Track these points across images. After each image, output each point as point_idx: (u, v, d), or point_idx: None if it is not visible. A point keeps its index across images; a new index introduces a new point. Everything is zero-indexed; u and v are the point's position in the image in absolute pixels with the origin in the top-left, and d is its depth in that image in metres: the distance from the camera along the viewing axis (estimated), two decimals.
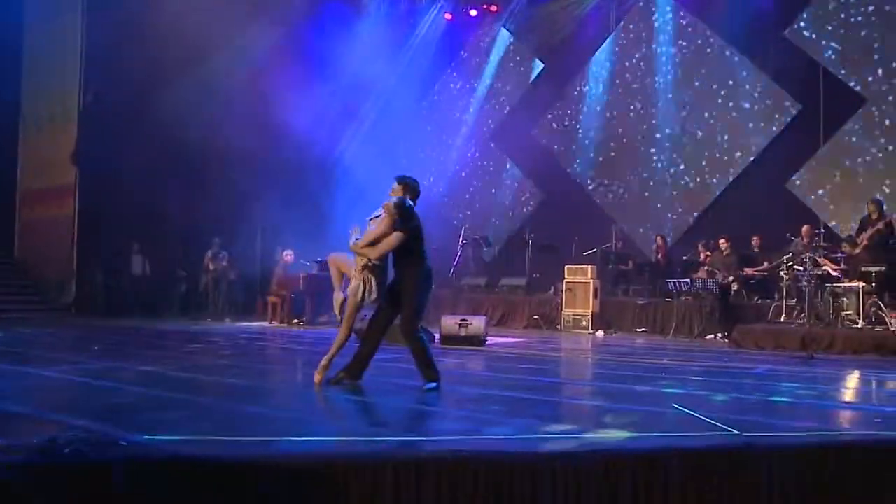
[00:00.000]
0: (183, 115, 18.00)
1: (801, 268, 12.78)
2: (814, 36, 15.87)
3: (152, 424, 5.10)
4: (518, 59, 20.47)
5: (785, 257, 13.37)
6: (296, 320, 16.45)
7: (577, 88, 19.35)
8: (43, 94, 20.33)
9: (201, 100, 17.93)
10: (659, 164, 17.85)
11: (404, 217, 7.05)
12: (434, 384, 7.16)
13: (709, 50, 17.25)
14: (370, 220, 7.24)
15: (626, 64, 18.55)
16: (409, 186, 7.31)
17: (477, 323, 12.17)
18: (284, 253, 17.09)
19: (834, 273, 12.48)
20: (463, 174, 21.00)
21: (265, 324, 16.60)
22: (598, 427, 5.49)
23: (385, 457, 4.30)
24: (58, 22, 19.76)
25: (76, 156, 18.73)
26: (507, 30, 20.54)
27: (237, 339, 13.03)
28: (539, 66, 20.13)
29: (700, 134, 17.28)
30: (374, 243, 7.00)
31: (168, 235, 18.82)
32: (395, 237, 7.01)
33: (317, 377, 7.22)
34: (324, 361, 7.26)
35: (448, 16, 20.75)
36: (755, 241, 15.01)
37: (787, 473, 4.58)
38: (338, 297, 7.24)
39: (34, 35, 20.54)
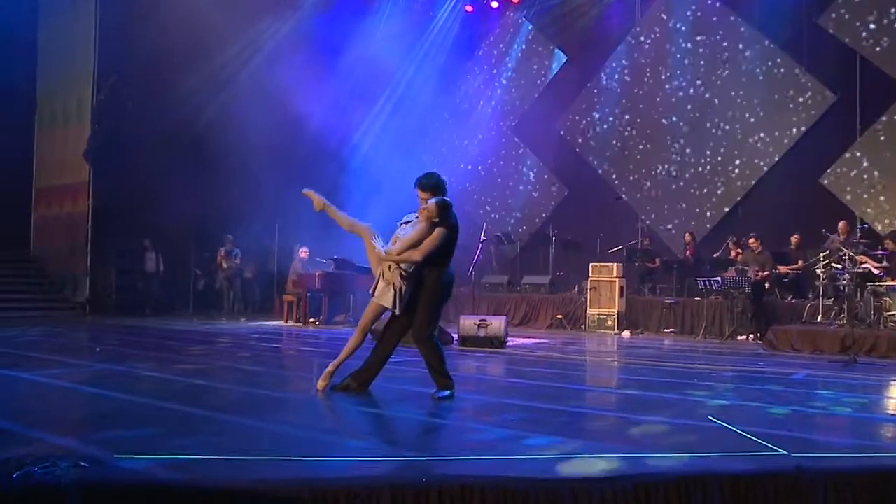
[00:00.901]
0: (196, 109, 17.76)
1: (839, 266, 12.12)
2: (849, 22, 15.12)
3: (127, 441, 4.62)
4: (540, 50, 19.85)
5: (822, 255, 12.70)
6: (312, 319, 16.01)
7: (602, 80, 18.69)
8: (57, 90, 20.17)
9: (214, 93, 17.64)
10: (687, 158, 17.17)
11: (446, 216, 6.52)
12: (447, 392, 6.65)
13: (738, 39, 16.52)
14: (401, 223, 6.72)
15: (652, 55, 17.87)
16: (440, 188, 6.71)
17: (497, 323, 11.64)
18: (300, 249, 16.66)
19: (875, 271, 11.80)
20: (484, 169, 20.43)
21: (281, 323, 16.17)
22: (624, 445, 4.91)
23: (381, 483, 3.75)
24: (71, 15, 19.55)
25: (89, 153, 18.44)
26: (529, 21, 19.93)
27: (247, 339, 12.58)
28: (562, 57, 19.49)
29: (730, 126, 16.57)
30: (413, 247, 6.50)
31: (181, 232, 18.48)
32: (440, 234, 6.46)
33: (320, 384, 6.70)
34: (330, 367, 6.75)
35: (469, 8, 20.17)
36: (794, 239, 14.29)
37: (845, 503, 3.99)
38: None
39: (49, 30, 20.35)
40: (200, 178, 17.76)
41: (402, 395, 6.96)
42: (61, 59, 19.90)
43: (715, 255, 15.12)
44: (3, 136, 18.94)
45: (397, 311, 6.56)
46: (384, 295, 6.54)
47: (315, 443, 4.88)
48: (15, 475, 3.45)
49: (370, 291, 6.70)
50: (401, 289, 6.51)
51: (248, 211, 17.81)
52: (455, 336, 11.85)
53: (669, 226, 17.31)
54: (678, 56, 17.46)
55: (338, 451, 4.69)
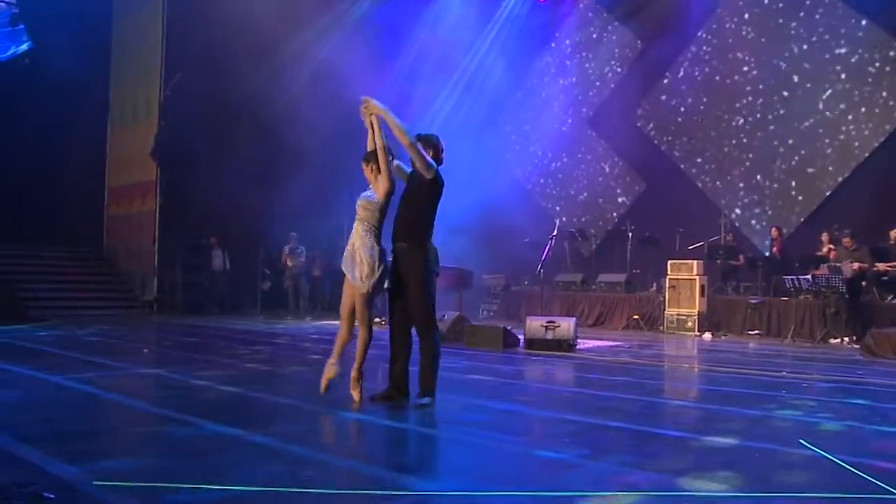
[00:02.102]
0: (261, 105, 17.51)
1: None
2: None
3: (118, 463, 4.10)
4: (615, 38, 18.90)
5: None
6: (377, 319, 15.46)
7: (681, 68, 17.65)
8: (128, 90, 20.43)
9: (280, 89, 17.37)
10: (774, 148, 16.03)
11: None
12: (428, 400, 6.03)
13: (833, 19, 15.30)
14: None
15: (735, 38, 16.76)
16: (430, 143, 6.22)
17: (565, 325, 10.89)
18: None
19: None
20: (556, 162, 19.63)
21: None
22: (697, 475, 4.13)
23: None
24: (141, 16, 19.68)
25: (156, 150, 18.43)
26: (604, 7, 19.01)
27: (306, 340, 12.14)
28: (639, 46, 18.51)
29: (821, 113, 15.38)
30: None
31: (248, 230, 18.33)
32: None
33: (354, 394, 6.11)
34: (354, 373, 6.15)
35: None
36: (894, 233, 13.04)
37: None
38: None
39: (121, 32, 20.68)
40: (267, 175, 17.55)
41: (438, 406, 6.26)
42: (131, 59, 20.20)
43: (805, 252, 14.00)
44: (79, 136, 19.33)
45: (365, 289, 5.95)
46: (351, 268, 6.00)
47: (319, 468, 4.25)
48: None
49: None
50: (365, 261, 5.95)
51: (318, 208, 17.48)
52: (521, 338, 11.15)
53: (754, 220, 16.24)
54: (763, 39, 16.35)
55: (344, 481, 4.03)
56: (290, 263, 17.61)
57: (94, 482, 3.68)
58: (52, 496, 3.21)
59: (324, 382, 6.17)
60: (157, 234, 18.71)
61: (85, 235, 20.16)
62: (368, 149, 6.26)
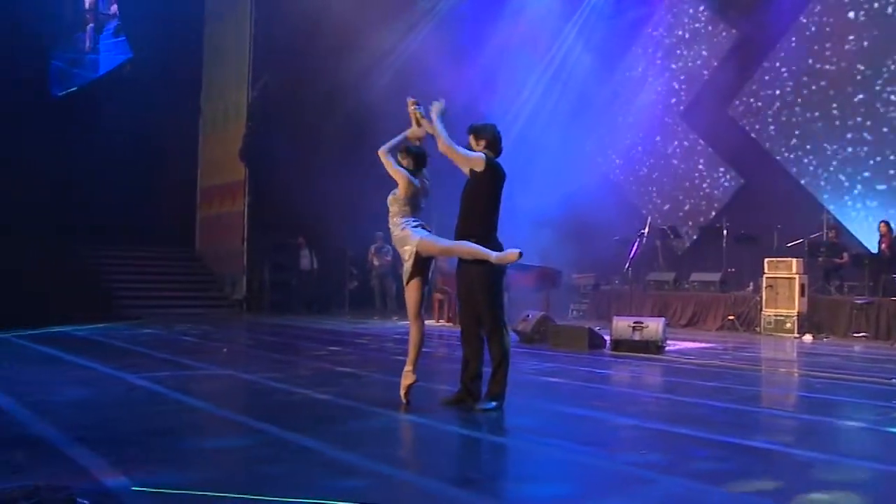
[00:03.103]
0: (345, 104, 17.56)
1: None
2: None
3: (168, 469, 4.00)
4: (710, 29, 18.17)
5: None
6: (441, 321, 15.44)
7: (778, 58, 16.82)
8: (218, 93, 20.92)
9: (363, 87, 17.40)
10: (880, 138, 15.10)
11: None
12: (494, 405, 5.78)
13: None
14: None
15: (836, 26, 15.85)
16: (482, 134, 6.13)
17: (654, 325, 10.44)
18: None
19: None
20: (649, 158, 19.02)
21: (432, 323, 15.55)
22: (789, 495, 3.74)
23: None
24: (230, 21, 20.06)
25: (244, 152, 18.74)
26: None
27: (388, 340, 12.03)
28: (735, 36, 17.72)
29: None
30: None
31: (335, 230, 18.40)
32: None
33: (404, 389, 5.97)
34: (408, 367, 5.95)
35: None
36: None
37: None
38: None
39: (211, 38, 21.17)
40: (354, 174, 17.55)
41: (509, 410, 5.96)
42: (221, 63, 20.66)
43: None
44: (173, 139, 19.83)
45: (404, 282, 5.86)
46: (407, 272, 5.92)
47: (356, 477, 4.01)
48: None
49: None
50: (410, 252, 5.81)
51: None
52: (607, 339, 10.74)
53: (859, 215, 15.32)
54: (867, 26, 15.40)
55: (385, 493, 3.79)
56: (376, 263, 17.61)
57: (133, 488, 3.57)
58: (84, 502, 3.08)
59: (402, 391, 5.98)
60: (246, 234, 19.03)
61: (179, 236, 20.69)
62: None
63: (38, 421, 5.19)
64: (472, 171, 5.98)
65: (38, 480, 3.40)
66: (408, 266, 5.82)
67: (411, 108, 6.21)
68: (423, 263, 5.85)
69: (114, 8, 20.34)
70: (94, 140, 17.71)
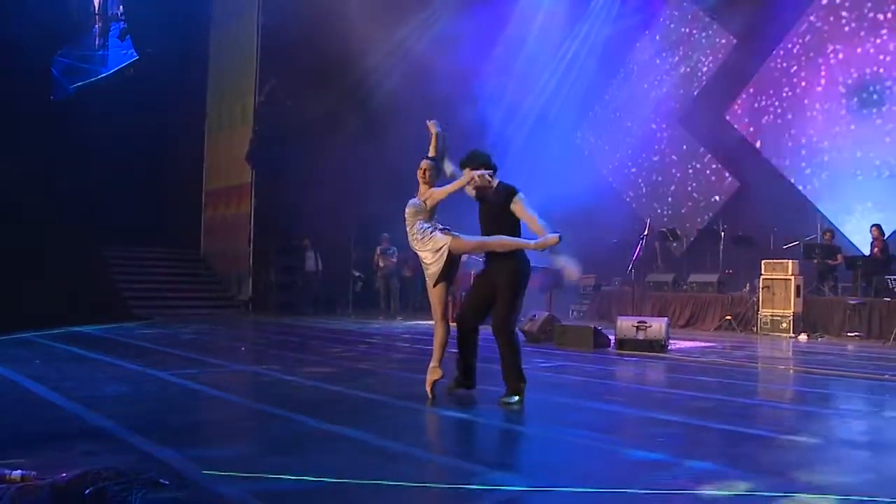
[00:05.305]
0: (352, 108, 17.83)
1: None
2: None
3: (224, 453, 4.38)
4: (709, 34, 18.56)
5: None
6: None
7: (774, 63, 17.25)
8: (224, 97, 21.10)
9: (369, 90, 17.66)
10: (874, 143, 15.52)
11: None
12: (516, 398, 6.06)
13: None
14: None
15: (833, 32, 16.28)
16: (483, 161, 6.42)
17: (657, 325, 10.81)
18: None
19: None
20: (647, 161, 19.40)
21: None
22: (796, 474, 4.11)
23: None
24: (236, 26, 20.27)
25: (251, 154, 18.99)
26: (697, 5, 18.67)
27: (398, 339, 12.36)
28: (733, 42, 18.14)
29: None
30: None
31: (341, 231, 18.68)
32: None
33: (430, 384, 6.33)
34: (434, 363, 6.30)
35: None
36: None
37: None
38: None
39: (218, 42, 21.32)
40: (359, 176, 17.82)
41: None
42: (228, 67, 20.86)
43: None
44: (179, 141, 20.07)
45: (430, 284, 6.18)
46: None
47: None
48: (87, 491, 3.15)
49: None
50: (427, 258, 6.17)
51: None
52: (612, 339, 11.12)
53: (853, 219, 15.73)
54: (862, 33, 15.83)
55: (426, 473, 4.16)
56: (381, 264, 17.85)
57: (203, 471, 3.91)
58: (167, 483, 3.40)
59: (428, 387, 6.30)
60: (252, 235, 19.26)
61: (185, 237, 20.91)
62: (430, 154, 6.47)
63: (93, 414, 5.51)
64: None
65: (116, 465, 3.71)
66: (436, 269, 6.13)
67: (433, 129, 6.55)
68: (450, 266, 6.17)
69: (120, 10, 20.57)
70: (102, 142, 17.87)
